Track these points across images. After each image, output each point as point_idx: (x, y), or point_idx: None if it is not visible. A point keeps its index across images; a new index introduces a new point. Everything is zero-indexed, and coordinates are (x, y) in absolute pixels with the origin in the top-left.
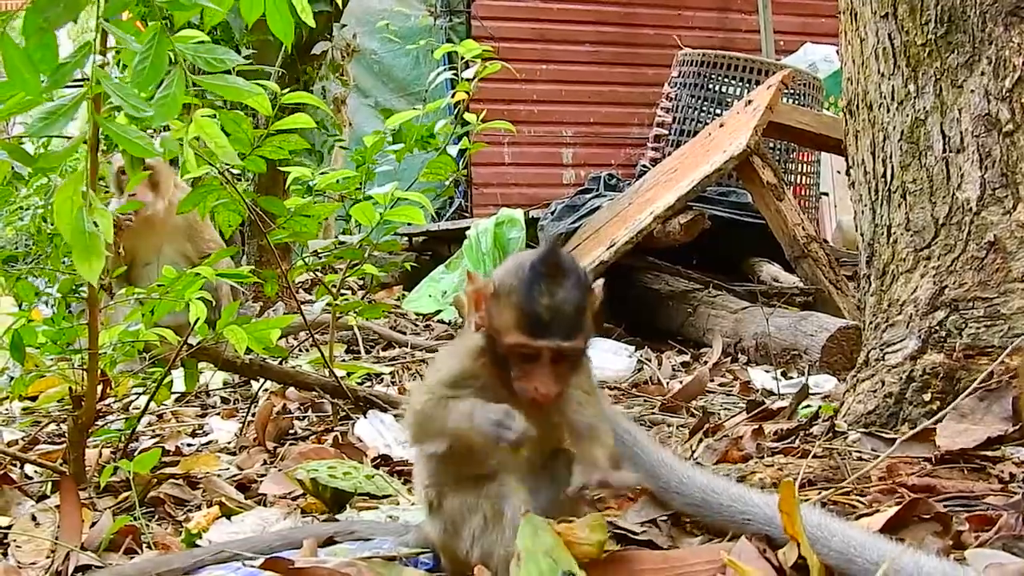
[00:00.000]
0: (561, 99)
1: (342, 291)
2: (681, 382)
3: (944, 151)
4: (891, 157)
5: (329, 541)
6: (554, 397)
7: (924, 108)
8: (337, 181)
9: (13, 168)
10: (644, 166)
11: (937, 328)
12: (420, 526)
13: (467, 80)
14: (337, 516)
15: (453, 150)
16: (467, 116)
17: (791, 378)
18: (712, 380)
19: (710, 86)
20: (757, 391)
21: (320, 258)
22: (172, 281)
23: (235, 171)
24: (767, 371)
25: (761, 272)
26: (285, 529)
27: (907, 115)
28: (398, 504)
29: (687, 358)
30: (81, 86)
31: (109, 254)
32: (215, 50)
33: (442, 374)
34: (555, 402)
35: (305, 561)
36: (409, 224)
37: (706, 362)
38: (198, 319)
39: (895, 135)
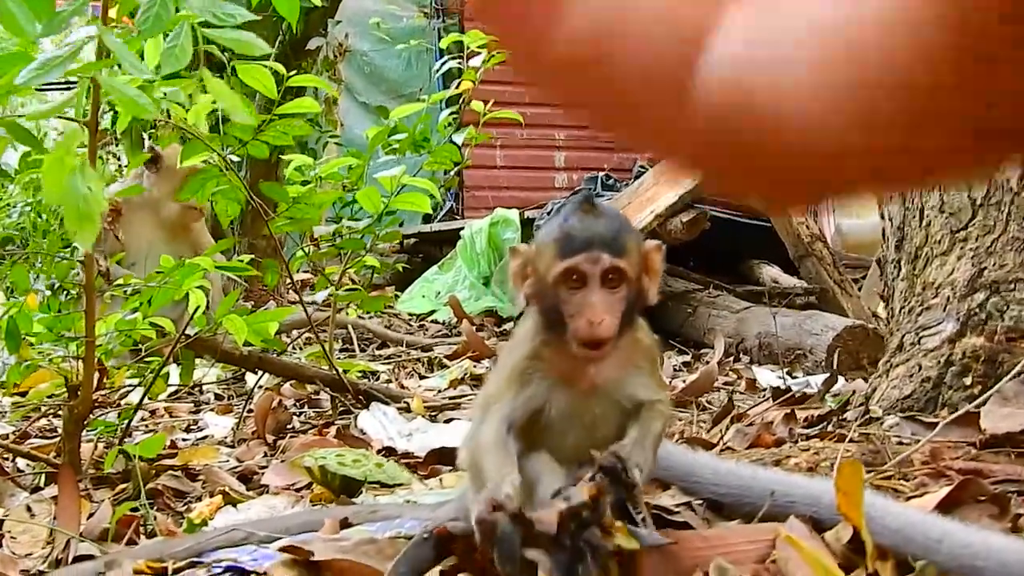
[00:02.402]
0: (553, 102)
1: (344, 283)
2: (684, 381)
3: None
4: None
5: (345, 525)
6: (609, 337)
7: None
8: (338, 170)
9: (0, 167)
10: (642, 166)
11: (977, 311)
12: (446, 504)
13: (473, 69)
14: (354, 500)
15: (457, 139)
16: (474, 105)
17: (796, 377)
18: (716, 379)
19: None
20: (764, 390)
21: (320, 248)
22: (170, 270)
23: (235, 157)
24: (772, 370)
25: (761, 273)
26: (303, 511)
27: None
28: (412, 490)
29: (688, 358)
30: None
31: (110, 230)
32: (223, 5)
33: (502, 372)
34: (610, 350)
35: (325, 544)
36: (401, 225)
37: (708, 361)
38: (197, 308)
39: None
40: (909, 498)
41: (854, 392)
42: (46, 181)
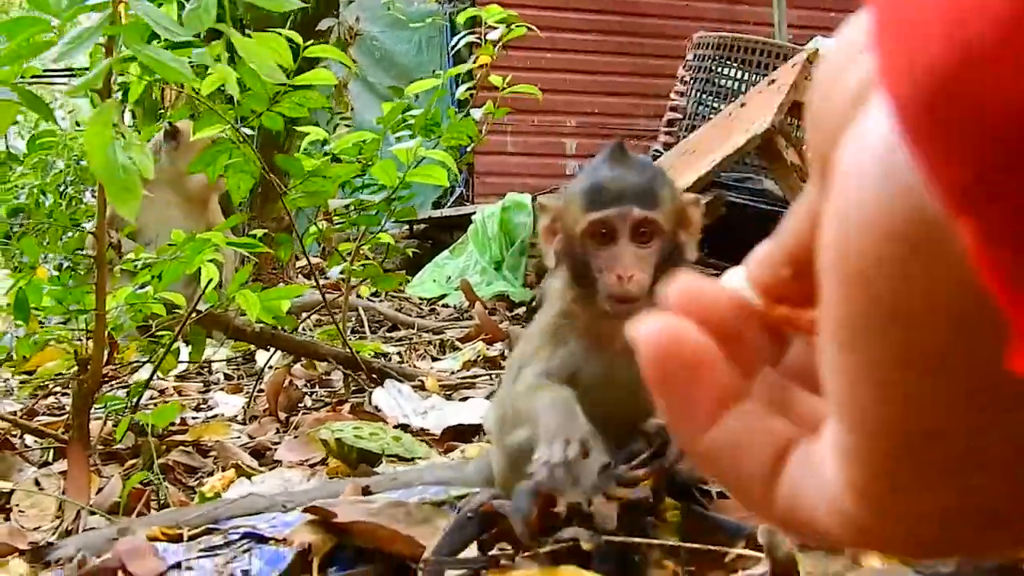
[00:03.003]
0: (564, 88)
1: (358, 259)
2: None
3: None
4: None
5: (366, 494)
6: (640, 293)
7: None
8: (352, 145)
9: (8, 150)
10: (656, 151)
11: None
12: (467, 470)
13: (491, 43)
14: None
15: (474, 115)
16: (492, 78)
17: None
18: None
19: (725, 70)
20: None
21: (334, 223)
22: (181, 244)
23: (248, 130)
24: None
25: None
26: (323, 483)
27: None
28: (431, 463)
29: None
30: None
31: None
32: None
33: (533, 333)
34: (643, 307)
35: (350, 507)
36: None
37: None
38: (209, 282)
39: None
40: None
41: None
42: (89, 153)
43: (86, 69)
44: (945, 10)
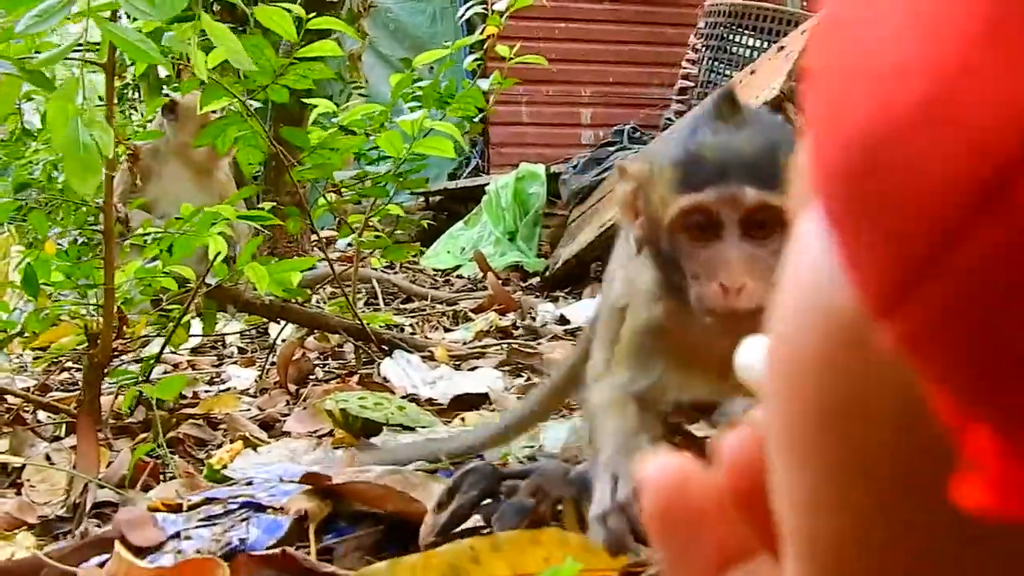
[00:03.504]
0: (579, 58)
1: (367, 231)
2: None
3: None
4: None
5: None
6: (752, 309)
7: None
8: (361, 117)
9: (23, 125)
10: (668, 119)
11: None
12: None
13: (498, 13)
14: (372, 439)
15: (482, 85)
16: (499, 49)
17: None
18: None
19: (737, 38)
20: None
21: (343, 195)
22: (190, 217)
23: (255, 103)
24: None
25: None
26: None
27: None
28: (435, 432)
29: None
30: None
31: (125, 177)
32: None
33: (621, 356)
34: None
35: (347, 473)
36: (427, 182)
37: None
38: (218, 254)
39: None
40: None
41: None
42: (51, 128)
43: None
44: (868, 81)
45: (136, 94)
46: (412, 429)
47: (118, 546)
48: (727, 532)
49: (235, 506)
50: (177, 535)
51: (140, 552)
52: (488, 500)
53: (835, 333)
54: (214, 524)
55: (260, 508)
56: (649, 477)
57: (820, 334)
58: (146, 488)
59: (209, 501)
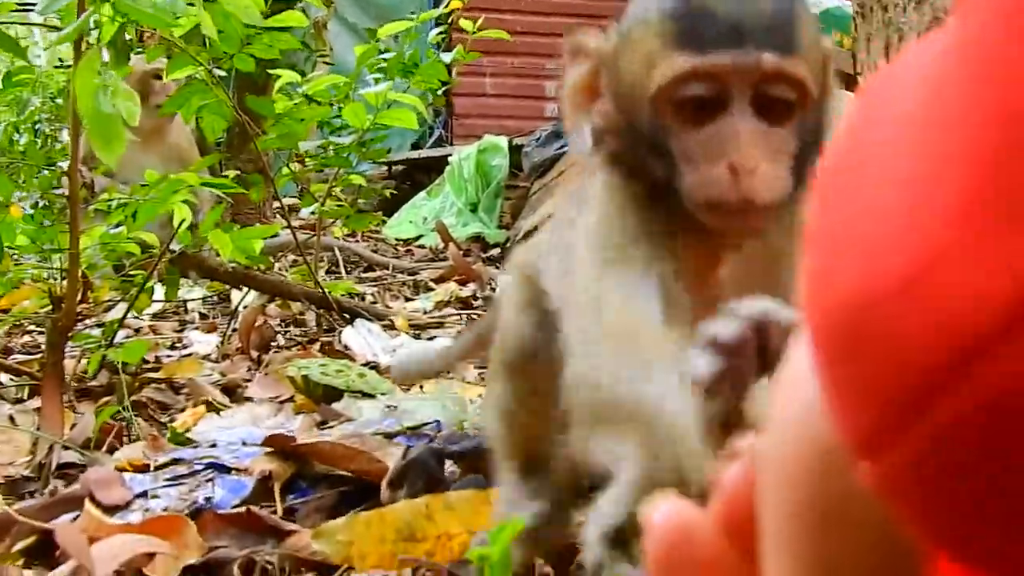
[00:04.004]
0: (544, 31)
1: (330, 200)
2: None
3: None
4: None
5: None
6: (771, 200)
7: (943, 6)
8: (326, 88)
9: None
10: None
11: None
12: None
13: None
14: (333, 405)
15: (445, 58)
16: (463, 23)
17: None
18: None
19: None
20: None
21: (306, 165)
22: (154, 184)
23: (221, 72)
24: None
25: None
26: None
27: (925, 14)
28: (394, 399)
29: None
30: None
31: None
32: None
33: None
34: (767, 223)
35: (308, 435)
36: (389, 152)
37: None
38: (182, 222)
39: (911, 34)
40: None
41: None
42: (80, 100)
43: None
44: (859, 249)
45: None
46: (372, 396)
47: (88, 504)
48: None
49: (200, 467)
50: (144, 494)
51: (108, 510)
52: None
53: (821, 457)
54: (180, 484)
55: (225, 469)
56: (654, 523)
57: (808, 454)
58: (111, 450)
59: (175, 462)
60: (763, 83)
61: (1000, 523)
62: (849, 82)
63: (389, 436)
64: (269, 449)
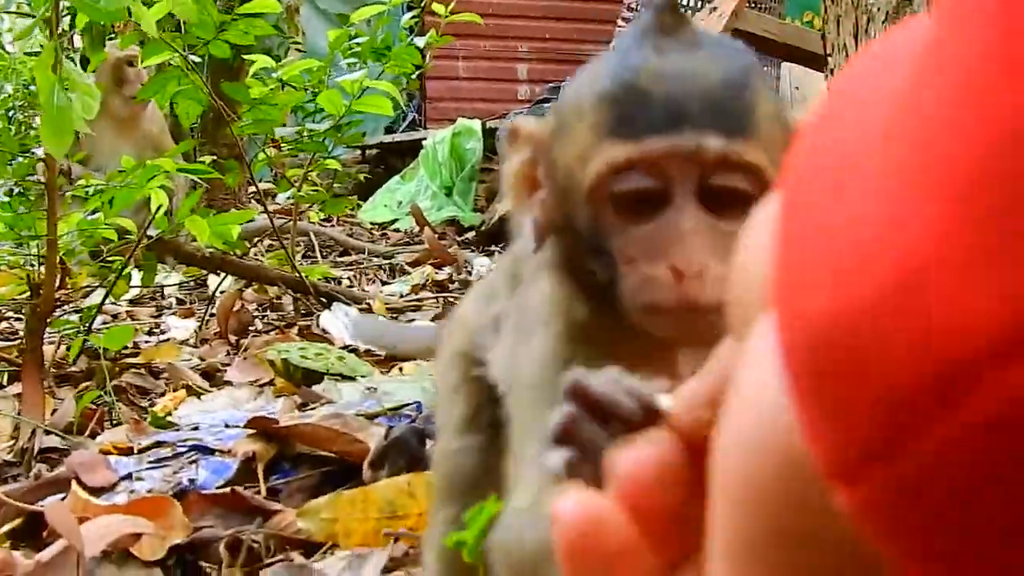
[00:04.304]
0: (516, 13)
1: (306, 186)
2: None
3: None
4: (875, 40)
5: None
6: (716, 293)
7: None
8: (300, 73)
9: None
10: None
11: None
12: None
13: None
14: (314, 388)
15: (418, 43)
16: (435, 7)
17: None
18: None
19: None
20: None
21: (281, 150)
22: (131, 170)
23: (196, 58)
24: None
25: None
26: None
27: None
28: (373, 381)
29: None
30: None
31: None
32: None
33: (527, 389)
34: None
35: (290, 417)
36: (364, 135)
37: None
38: (159, 208)
39: (880, 16)
40: None
41: None
42: (40, 91)
43: None
44: (836, 262)
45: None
46: (352, 378)
47: (75, 486)
48: (644, 571)
49: (184, 449)
50: (129, 476)
51: (94, 492)
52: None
53: (786, 469)
54: (164, 466)
55: (208, 451)
56: (563, 514)
57: (772, 465)
58: (93, 435)
59: (158, 444)
60: (709, 171)
61: (989, 547)
62: (819, 63)
63: (370, 417)
64: (252, 431)
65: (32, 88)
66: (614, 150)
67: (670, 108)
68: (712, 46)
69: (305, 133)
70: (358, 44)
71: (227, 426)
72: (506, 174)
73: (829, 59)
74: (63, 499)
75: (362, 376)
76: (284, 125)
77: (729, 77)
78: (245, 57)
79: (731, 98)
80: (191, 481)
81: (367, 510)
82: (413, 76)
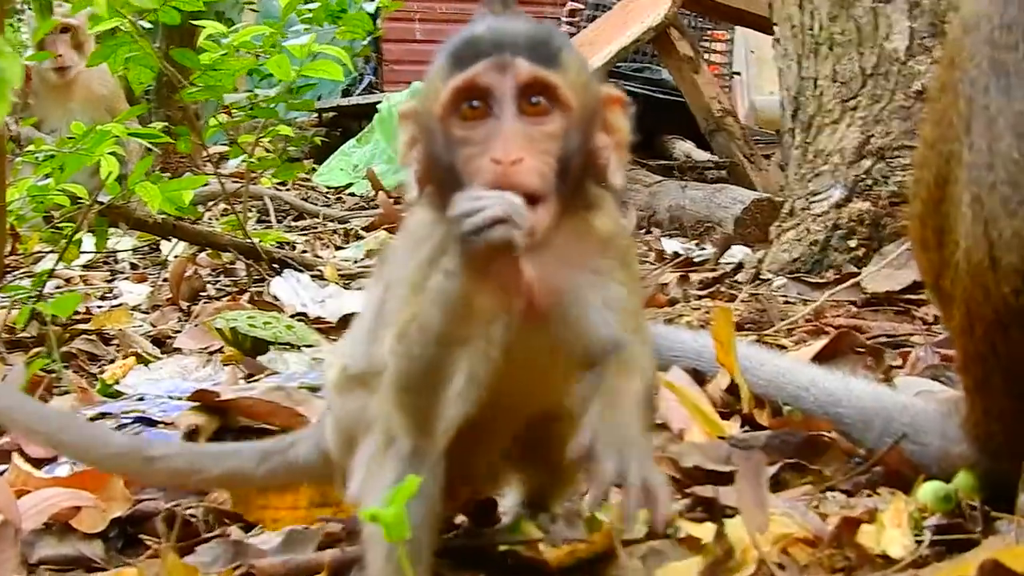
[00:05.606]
0: None
1: (258, 152)
2: None
3: (873, 1)
4: (819, 9)
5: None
6: (532, 186)
7: None
8: (252, 39)
9: None
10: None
11: (863, 176)
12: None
13: None
14: (259, 358)
15: (369, 7)
16: None
17: (704, 248)
18: None
19: None
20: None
21: (233, 116)
22: (82, 136)
23: (147, 24)
24: (682, 242)
25: (674, 148)
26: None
27: None
28: (320, 350)
29: None
30: None
31: (17, 100)
32: None
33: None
34: (543, 229)
35: (233, 390)
36: (319, 99)
37: None
38: (110, 174)
39: None
40: (790, 352)
41: (747, 256)
42: None
43: None
44: None
45: (24, 9)
46: (299, 348)
47: (16, 457)
48: None
49: (128, 420)
50: None
51: (37, 463)
52: None
53: None
54: None
55: (152, 423)
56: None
57: None
58: (41, 401)
59: (103, 416)
60: (522, 89)
61: None
62: (770, 28)
63: (313, 390)
64: (195, 404)
65: None
66: (453, 79)
67: (492, 43)
68: (529, 19)
69: (257, 99)
70: (310, 9)
71: (171, 398)
72: (400, 145)
73: (776, 28)
74: (3, 472)
75: (308, 346)
76: (236, 90)
77: (539, 30)
78: (195, 23)
79: (540, 41)
80: None
81: (298, 500)
82: (365, 42)
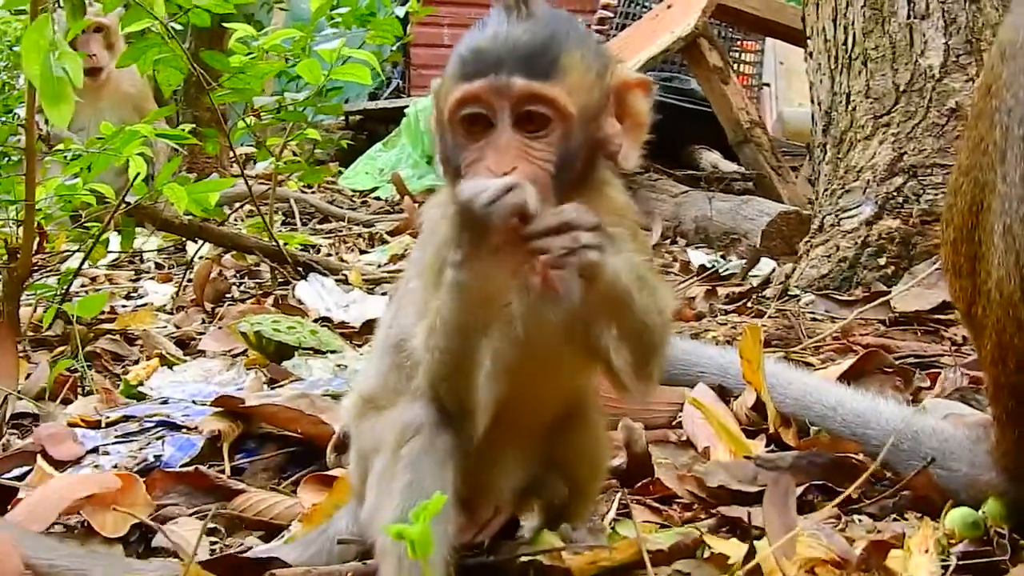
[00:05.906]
0: None
1: (285, 155)
2: None
3: (909, 17)
4: (853, 24)
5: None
6: (526, 191)
7: None
8: (282, 42)
9: None
10: None
11: (895, 194)
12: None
13: None
14: (283, 364)
15: (399, 12)
16: None
17: (730, 260)
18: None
19: None
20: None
21: (262, 119)
22: (111, 137)
23: (177, 25)
24: (707, 253)
25: (701, 159)
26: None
27: None
28: (344, 356)
29: None
30: None
31: None
32: None
33: (416, 288)
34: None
35: (257, 396)
36: (347, 102)
37: None
38: (137, 175)
39: (858, 1)
40: (817, 370)
41: (774, 271)
42: (26, 62)
43: None
44: None
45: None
46: (323, 353)
47: (40, 459)
48: None
49: (151, 424)
50: (95, 450)
51: (60, 465)
52: None
53: None
54: (131, 441)
55: (175, 427)
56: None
57: None
58: (65, 401)
59: (126, 419)
60: (518, 103)
61: None
62: (801, 40)
63: (337, 397)
64: (218, 409)
65: (16, 49)
66: (458, 89)
67: (491, 60)
68: (543, 17)
69: (285, 102)
70: (340, 14)
71: (195, 402)
72: (432, 115)
73: (808, 42)
74: (26, 474)
75: (332, 351)
76: (263, 93)
77: (539, 40)
78: (225, 25)
79: (538, 53)
80: (156, 458)
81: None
82: (395, 47)
